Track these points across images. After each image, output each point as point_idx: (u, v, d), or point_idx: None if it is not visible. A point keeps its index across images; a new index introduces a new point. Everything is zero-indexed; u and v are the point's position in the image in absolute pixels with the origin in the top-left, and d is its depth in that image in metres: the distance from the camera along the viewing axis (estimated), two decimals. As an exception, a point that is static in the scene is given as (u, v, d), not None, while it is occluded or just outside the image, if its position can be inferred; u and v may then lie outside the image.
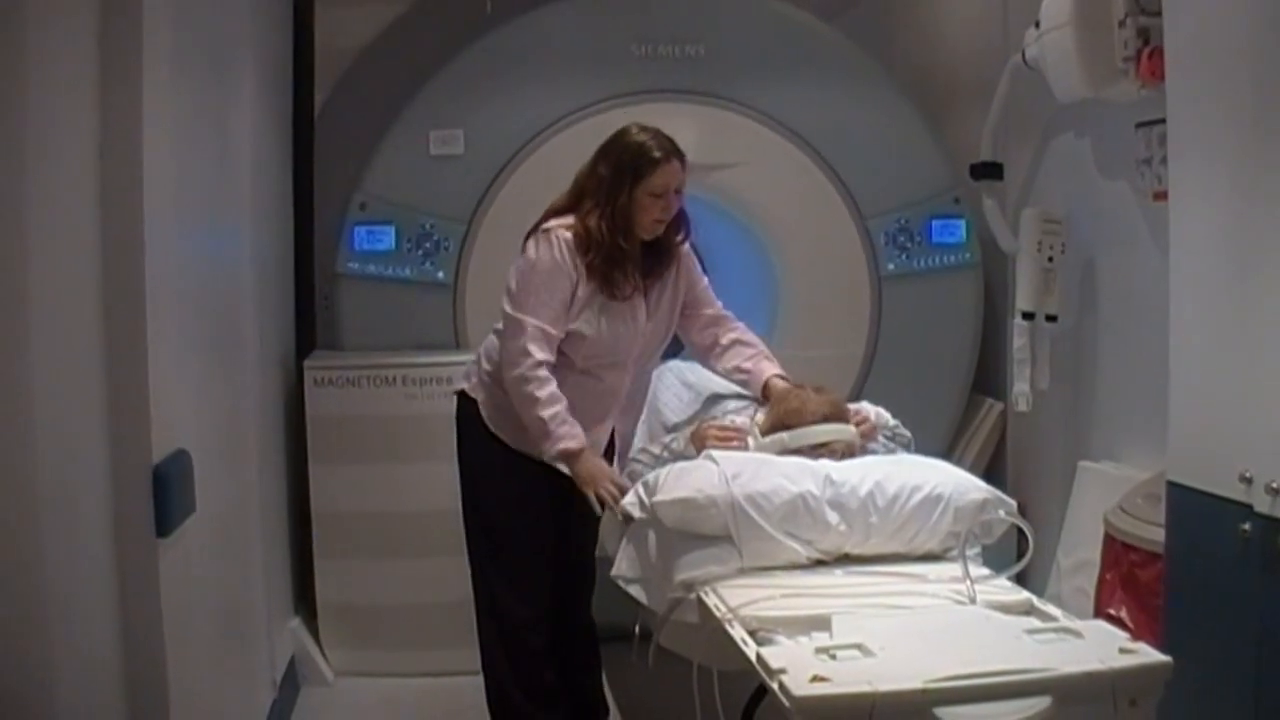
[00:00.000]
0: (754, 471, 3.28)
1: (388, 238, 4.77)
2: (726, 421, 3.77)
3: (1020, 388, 4.48)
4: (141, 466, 2.48)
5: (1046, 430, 4.75)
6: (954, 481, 3.33)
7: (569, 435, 3.50)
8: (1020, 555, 3.21)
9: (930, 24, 5.58)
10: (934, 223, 5.07)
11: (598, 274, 3.56)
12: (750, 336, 4.01)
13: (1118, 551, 3.65)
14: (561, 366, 3.58)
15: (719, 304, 4.01)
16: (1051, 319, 4.45)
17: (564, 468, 3.54)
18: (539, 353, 3.50)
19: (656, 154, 3.58)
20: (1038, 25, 4.22)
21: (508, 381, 3.54)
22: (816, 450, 3.52)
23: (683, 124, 4.87)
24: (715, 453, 3.45)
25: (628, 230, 3.58)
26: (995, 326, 5.08)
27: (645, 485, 3.40)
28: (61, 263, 2.25)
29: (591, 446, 3.59)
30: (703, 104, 4.90)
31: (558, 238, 3.57)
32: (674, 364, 4.56)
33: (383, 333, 4.77)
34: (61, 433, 2.21)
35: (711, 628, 2.97)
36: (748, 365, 3.91)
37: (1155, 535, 3.37)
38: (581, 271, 3.55)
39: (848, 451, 3.56)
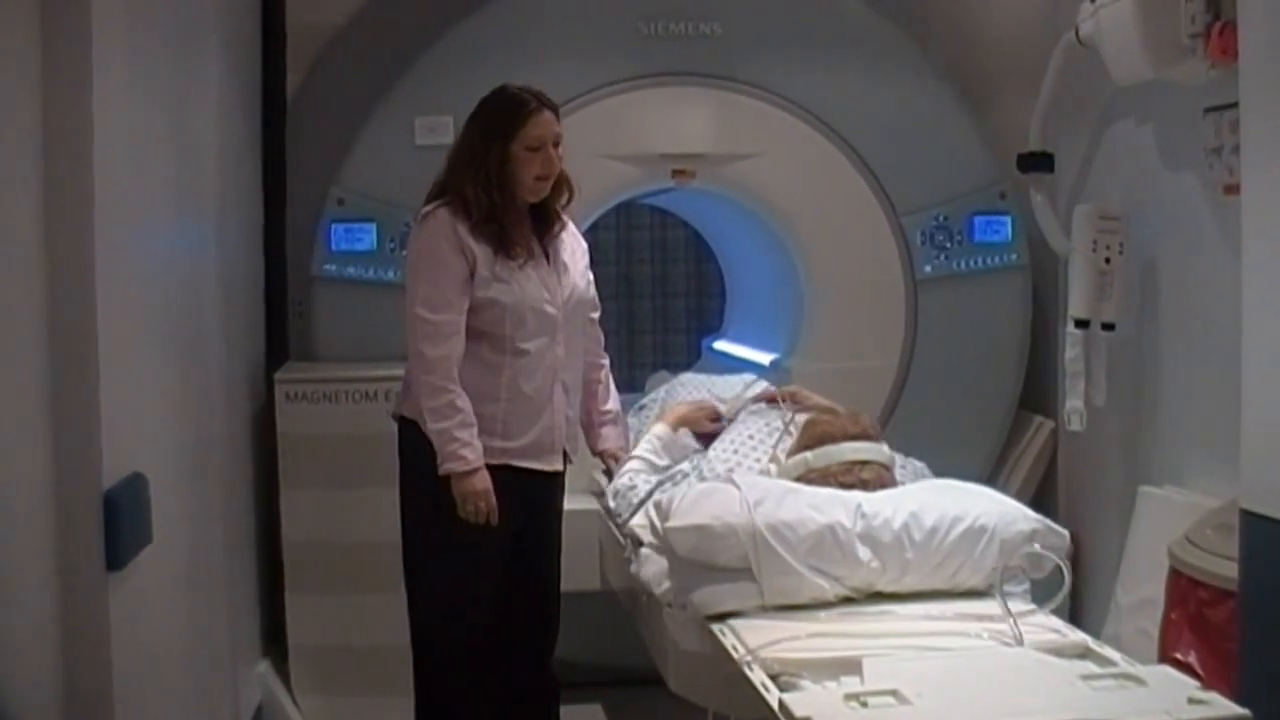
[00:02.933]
0: (779, 499, 3.26)
1: (368, 237, 4.77)
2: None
3: (1073, 404, 4.46)
4: (91, 492, 2.46)
5: (1103, 452, 4.73)
6: (999, 511, 3.31)
7: (464, 449, 3.60)
8: (1072, 593, 3.19)
9: (972, -1, 5.58)
10: (976, 220, 5.06)
11: (488, 237, 3.67)
12: (605, 387, 4.16)
13: (1184, 588, 3.63)
14: (495, 353, 3.70)
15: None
16: (1108, 327, 4.43)
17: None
18: (438, 349, 3.62)
19: (529, 104, 3.73)
20: (1093, -1, 4.21)
21: (416, 383, 3.67)
22: (846, 479, 3.51)
23: (696, 110, 4.90)
24: (738, 476, 3.44)
25: (508, 191, 3.70)
26: (1045, 336, 5.07)
27: (658, 507, 3.38)
28: (0, 268, 2.23)
29: (550, 429, 3.78)
30: (718, 88, 4.90)
31: (437, 218, 3.68)
32: (686, 377, 4.57)
33: (362, 342, 4.75)
34: (1, 454, 2.19)
35: (729, 671, 2.95)
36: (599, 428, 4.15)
37: (1227, 570, 3.35)
38: (470, 242, 3.65)
39: (881, 481, 3.55)
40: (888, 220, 5.01)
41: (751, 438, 3.96)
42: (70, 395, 2.42)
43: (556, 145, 3.76)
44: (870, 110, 4.98)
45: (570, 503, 4.60)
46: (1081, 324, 4.44)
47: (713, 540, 3.18)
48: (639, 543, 3.50)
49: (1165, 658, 3.57)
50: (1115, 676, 2.66)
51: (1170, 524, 3.94)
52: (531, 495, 3.82)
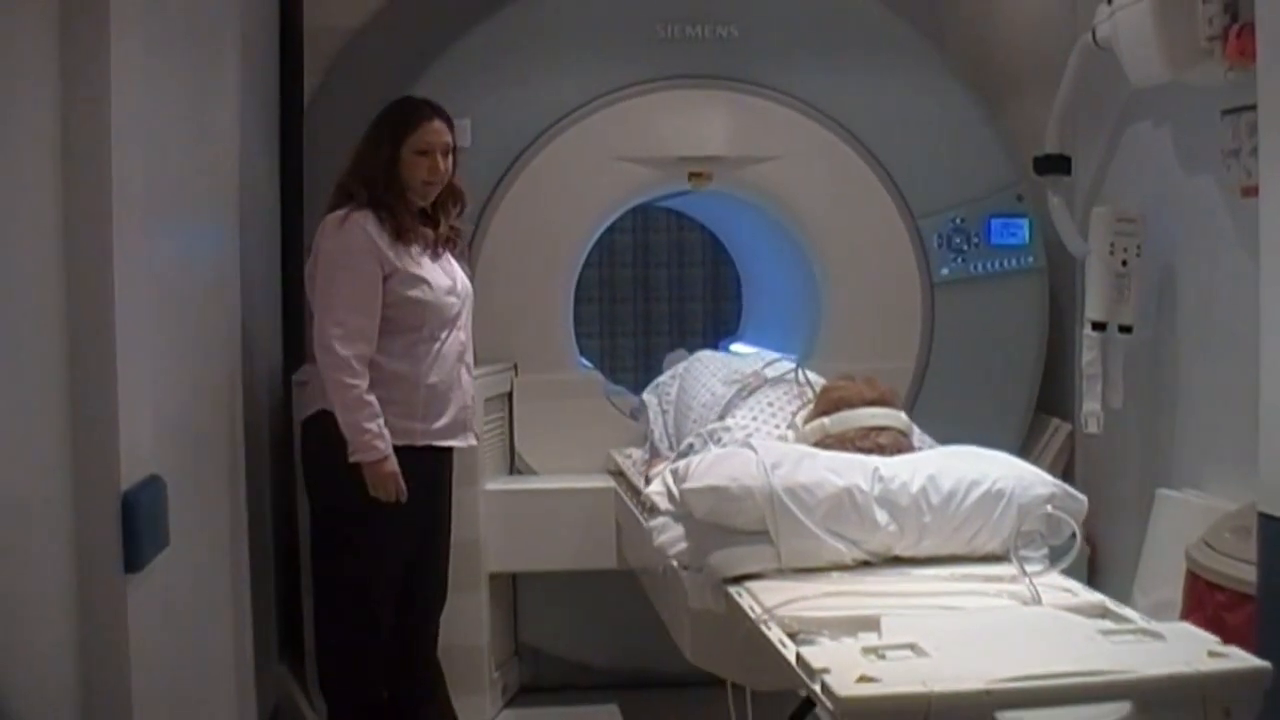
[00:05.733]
0: (796, 462, 3.26)
1: (385, 239, 4.75)
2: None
3: (1090, 407, 4.46)
4: (109, 494, 2.46)
5: (1120, 455, 4.71)
6: (1017, 475, 3.32)
7: (375, 440, 3.82)
8: (1088, 566, 3.16)
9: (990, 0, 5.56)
10: (993, 222, 5.05)
11: (388, 227, 3.90)
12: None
13: (1202, 592, 3.62)
14: (412, 344, 3.94)
15: None
16: (1125, 330, 4.43)
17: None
18: (351, 349, 3.82)
19: (421, 111, 4.02)
20: (1110, 1, 4.19)
21: (326, 382, 3.85)
22: (864, 444, 3.51)
23: (713, 113, 4.90)
24: (755, 441, 3.45)
25: (397, 189, 3.95)
26: (1062, 338, 5.06)
27: (674, 473, 3.39)
28: (19, 269, 2.23)
29: (463, 408, 4.08)
30: (735, 90, 4.91)
31: (351, 222, 3.88)
32: (705, 354, 4.60)
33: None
34: (19, 456, 2.19)
35: (746, 631, 2.94)
36: None
37: (1245, 574, 3.34)
38: (381, 244, 3.88)
39: (898, 447, 3.55)
40: (904, 223, 5.01)
41: (771, 404, 4.00)
42: (88, 398, 2.42)
43: (446, 154, 4.03)
44: (887, 113, 4.97)
45: (586, 481, 4.66)
46: (1099, 326, 4.43)
47: (730, 502, 3.19)
48: (656, 510, 3.51)
49: None
50: (1134, 632, 2.65)
51: (1188, 527, 3.93)
52: (444, 473, 4.16)
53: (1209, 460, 4.18)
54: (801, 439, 3.65)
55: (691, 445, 3.90)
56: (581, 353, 5.32)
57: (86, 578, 2.43)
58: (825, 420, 3.64)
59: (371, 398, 3.82)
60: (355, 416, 3.80)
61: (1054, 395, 5.14)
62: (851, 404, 3.65)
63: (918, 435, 3.80)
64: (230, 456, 3.80)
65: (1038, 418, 5.15)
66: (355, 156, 4.02)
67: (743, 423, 3.93)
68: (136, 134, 2.63)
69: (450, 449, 4.13)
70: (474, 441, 4.21)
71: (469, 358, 4.15)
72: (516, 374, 4.91)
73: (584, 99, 4.83)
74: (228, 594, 3.72)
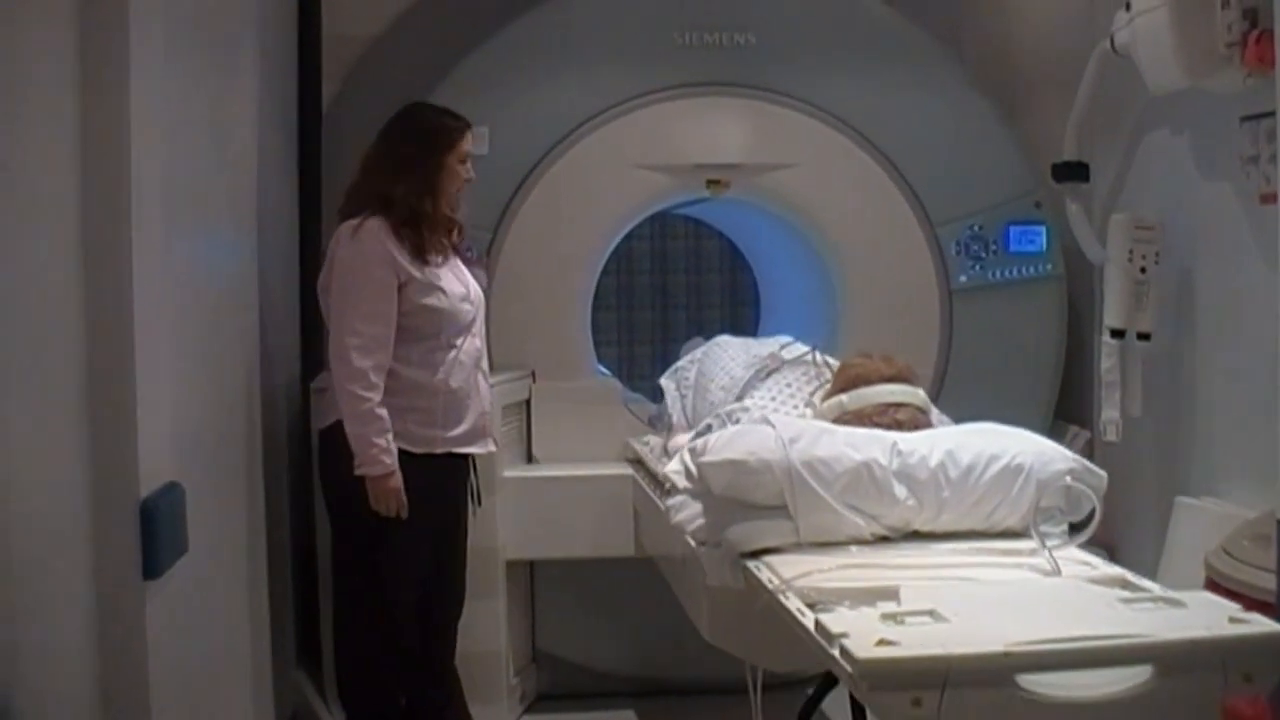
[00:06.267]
0: (814, 437, 3.27)
1: (403, 247, 4.76)
2: None
3: (1109, 414, 4.44)
4: (127, 500, 2.46)
5: (1138, 462, 4.70)
6: (1036, 450, 3.32)
7: (383, 454, 3.83)
8: (1108, 545, 3.15)
9: (1007, 7, 5.55)
10: (1012, 230, 5.05)
11: (411, 243, 3.91)
12: None
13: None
14: (430, 352, 3.95)
15: None
16: (1144, 337, 4.41)
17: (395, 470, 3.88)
18: (366, 360, 3.82)
19: (464, 121, 4.08)
20: (1128, 7, 4.19)
21: (338, 393, 3.86)
22: (881, 420, 3.51)
23: (731, 120, 4.90)
24: (772, 416, 3.45)
25: (436, 198, 3.98)
26: (1080, 346, 5.05)
27: (693, 451, 3.39)
28: (38, 274, 2.24)
29: (481, 415, 4.07)
30: (753, 98, 4.92)
31: (367, 230, 3.89)
32: (722, 339, 4.61)
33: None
34: (38, 462, 2.19)
35: (764, 604, 2.94)
36: None
37: (1264, 581, 3.32)
38: (397, 253, 3.88)
39: (916, 424, 3.55)
40: (923, 230, 5.01)
41: (789, 385, 4.01)
42: (107, 405, 2.42)
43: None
44: (905, 120, 4.97)
45: (605, 468, 4.66)
46: (1117, 334, 4.42)
47: (748, 476, 3.19)
48: (675, 490, 3.51)
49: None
50: (1154, 600, 2.65)
51: (1206, 535, 3.91)
52: (465, 479, 4.16)
53: (1228, 468, 4.17)
54: (819, 417, 3.65)
55: (709, 426, 3.90)
56: (599, 360, 5.33)
57: (105, 584, 2.43)
58: (843, 398, 3.65)
59: (383, 412, 3.83)
60: (364, 430, 3.81)
61: (1072, 403, 5.12)
62: (869, 381, 3.66)
63: (936, 416, 3.80)
64: (248, 463, 3.80)
65: (1056, 425, 5.13)
66: (388, 164, 3.99)
67: (760, 403, 3.95)
68: (155, 142, 2.64)
69: (470, 456, 4.12)
70: (493, 448, 4.21)
71: (485, 365, 4.15)
72: (534, 381, 4.91)
73: (601, 107, 4.84)
74: (246, 600, 3.72)
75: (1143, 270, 4.37)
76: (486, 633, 4.53)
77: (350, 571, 4.08)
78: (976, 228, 5.02)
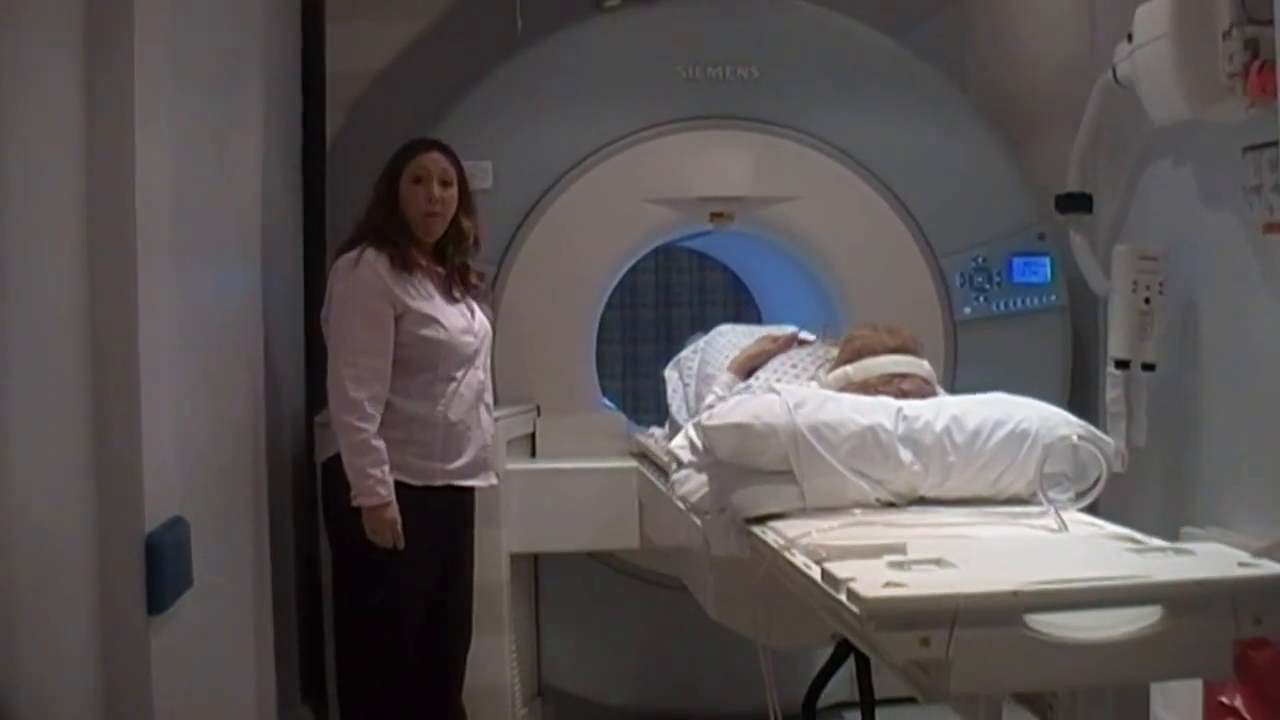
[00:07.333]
0: (820, 403, 3.28)
1: (408, 280, 4.76)
2: None
3: (1115, 445, 4.43)
4: (133, 535, 2.46)
5: (1144, 493, 4.68)
6: (1042, 415, 3.31)
7: (379, 485, 3.81)
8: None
9: (1010, 40, 5.56)
10: (1015, 261, 5.05)
11: (395, 261, 3.89)
12: None
13: (1229, 630, 3.58)
14: (429, 384, 3.93)
15: None
16: (1149, 368, 4.40)
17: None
18: (362, 392, 3.81)
19: (417, 143, 4.08)
20: (1130, 38, 4.19)
21: (334, 424, 3.85)
22: (886, 390, 3.51)
23: (734, 153, 4.91)
24: (777, 384, 3.45)
25: (398, 222, 3.97)
26: (1085, 377, 5.03)
27: (698, 427, 3.39)
28: (44, 308, 2.24)
29: (483, 448, 4.05)
30: (756, 131, 4.92)
31: (363, 262, 3.89)
32: (725, 328, 4.61)
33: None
34: (43, 496, 2.19)
35: (769, 568, 2.92)
36: None
37: (1272, 612, 3.30)
38: (393, 284, 3.87)
39: (921, 394, 3.55)
40: (926, 262, 5.00)
41: (795, 365, 4.04)
42: (112, 439, 2.42)
43: (446, 185, 4.02)
44: (908, 152, 4.98)
45: (608, 461, 4.65)
46: (1122, 364, 4.41)
47: (753, 440, 3.19)
48: (679, 464, 3.51)
49: (1210, 703, 3.52)
50: (1163, 550, 2.66)
51: (1214, 566, 3.90)
52: (466, 512, 4.14)
53: (1234, 498, 4.15)
54: (825, 388, 3.64)
55: (712, 406, 3.90)
56: (604, 393, 5.32)
57: (110, 619, 2.43)
58: (848, 369, 3.65)
59: (379, 443, 3.81)
60: (360, 460, 3.79)
61: (1077, 434, 5.11)
62: (874, 351, 3.66)
63: (942, 394, 3.80)
64: (253, 497, 3.80)
65: (1061, 456, 5.12)
66: (372, 196, 4.04)
67: (765, 382, 3.95)
68: (161, 175, 2.65)
69: (471, 489, 4.11)
70: (494, 481, 4.19)
71: (488, 397, 4.14)
72: (539, 415, 4.90)
73: (605, 140, 4.84)
74: (251, 635, 3.72)
75: (1147, 301, 4.36)
76: (493, 665, 4.51)
77: (352, 604, 4.06)
78: (980, 259, 5.02)
